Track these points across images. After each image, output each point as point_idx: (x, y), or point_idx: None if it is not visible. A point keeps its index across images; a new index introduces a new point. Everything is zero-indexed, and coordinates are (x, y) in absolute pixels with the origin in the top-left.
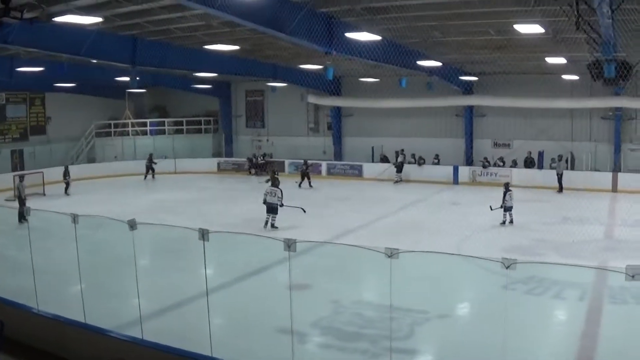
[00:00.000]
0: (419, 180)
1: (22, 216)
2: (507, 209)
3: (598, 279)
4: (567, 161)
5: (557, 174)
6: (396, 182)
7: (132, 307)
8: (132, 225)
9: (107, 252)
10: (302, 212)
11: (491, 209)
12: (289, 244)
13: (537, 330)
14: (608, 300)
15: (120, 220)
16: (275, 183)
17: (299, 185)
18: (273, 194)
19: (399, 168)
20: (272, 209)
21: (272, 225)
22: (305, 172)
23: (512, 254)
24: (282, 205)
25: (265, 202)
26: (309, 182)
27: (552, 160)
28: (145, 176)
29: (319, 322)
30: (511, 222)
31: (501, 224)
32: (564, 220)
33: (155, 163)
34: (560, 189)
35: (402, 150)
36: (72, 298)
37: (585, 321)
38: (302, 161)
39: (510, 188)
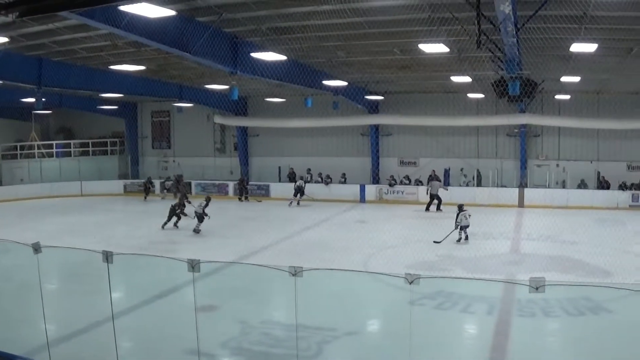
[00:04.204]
0: (326, 200)
1: None
2: (463, 227)
3: (506, 292)
4: (473, 177)
5: (431, 194)
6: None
7: (40, 332)
8: (37, 248)
9: (13, 276)
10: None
11: (438, 242)
12: (193, 265)
13: (447, 345)
14: (516, 313)
15: (24, 243)
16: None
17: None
18: (199, 205)
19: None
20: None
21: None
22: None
23: (418, 270)
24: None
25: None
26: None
27: (431, 177)
28: (240, 198)
29: (227, 343)
30: (466, 238)
31: (457, 241)
32: (469, 235)
33: (247, 183)
34: (438, 207)
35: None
36: None
37: (494, 334)
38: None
39: (464, 208)
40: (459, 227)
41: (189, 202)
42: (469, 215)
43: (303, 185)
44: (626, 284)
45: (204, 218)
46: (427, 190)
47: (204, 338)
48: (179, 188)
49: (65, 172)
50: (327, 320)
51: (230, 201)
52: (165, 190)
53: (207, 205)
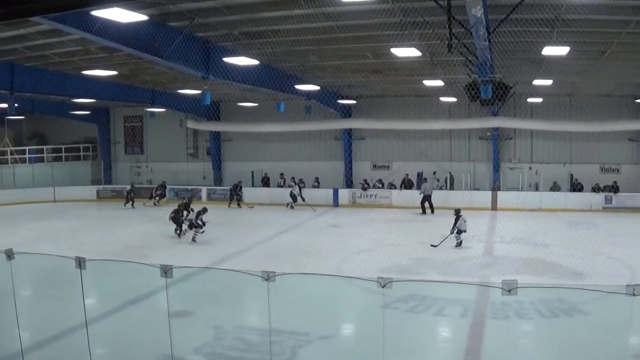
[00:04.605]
0: (299, 204)
1: None
2: (460, 232)
3: (479, 295)
4: (445, 180)
5: (425, 195)
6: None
7: (14, 339)
8: (10, 254)
9: None
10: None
11: (435, 246)
12: (166, 270)
13: (421, 348)
14: (490, 316)
15: None
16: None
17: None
18: (192, 212)
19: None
20: (190, 225)
21: (193, 239)
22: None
23: (391, 274)
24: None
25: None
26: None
27: (424, 179)
28: (229, 204)
29: (201, 348)
30: (460, 243)
31: (456, 246)
32: (443, 239)
33: (241, 189)
34: (431, 210)
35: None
36: None
37: (469, 337)
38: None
39: (461, 214)
40: (456, 231)
41: (192, 210)
42: (465, 220)
43: (294, 191)
44: (599, 286)
45: (195, 227)
46: (420, 193)
47: (178, 344)
48: (161, 193)
49: (38, 178)
50: (300, 324)
51: (202, 206)
52: (156, 198)
53: (199, 214)
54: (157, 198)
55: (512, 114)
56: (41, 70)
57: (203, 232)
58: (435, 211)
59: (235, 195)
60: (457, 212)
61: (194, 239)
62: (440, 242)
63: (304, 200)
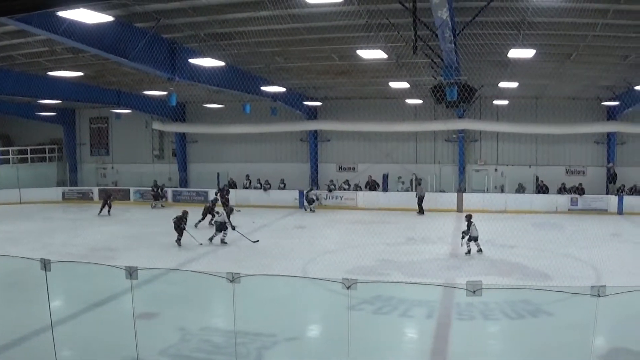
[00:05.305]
0: (265, 205)
1: None
2: (473, 239)
3: (445, 296)
4: (419, 184)
5: (418, 197)
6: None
7: None
8: None
9: None
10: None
11: (465, 246)
12: (131, 272)
13: (387, 349)
14: (455, 317)
15: None
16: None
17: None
18: (220, 214)
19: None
20: (218, 227)
21: (222, 241)
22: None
23: (357, 275)
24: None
25: (215, 222)
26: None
27: (419, 181)
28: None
29: (167, 350)
30: (480, 250)
31: (466, 253)
32: (408, 240)
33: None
34: (421, 211)
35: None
36: None
37: (434, 338)
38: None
39: (472, 220)
40: (469, 238)
41: (217, 212)
42: (476, 226)
43: (308, 195)
44: (565, 287)
45: (224, 228)
46: (417, 194)
47: (143, 346)
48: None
49: (4, 180)
50: (266, 326)
51: (168, 208)
52: (161, 199)
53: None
54: (164, 199)
55: (478, 117)
56: (6, 71)
57: (224, 241)
58: (400, 212)
59: (223, 200)
60: (469, 218)
61: (223, 241)
62: (468, 248)
63: (317, 203)
